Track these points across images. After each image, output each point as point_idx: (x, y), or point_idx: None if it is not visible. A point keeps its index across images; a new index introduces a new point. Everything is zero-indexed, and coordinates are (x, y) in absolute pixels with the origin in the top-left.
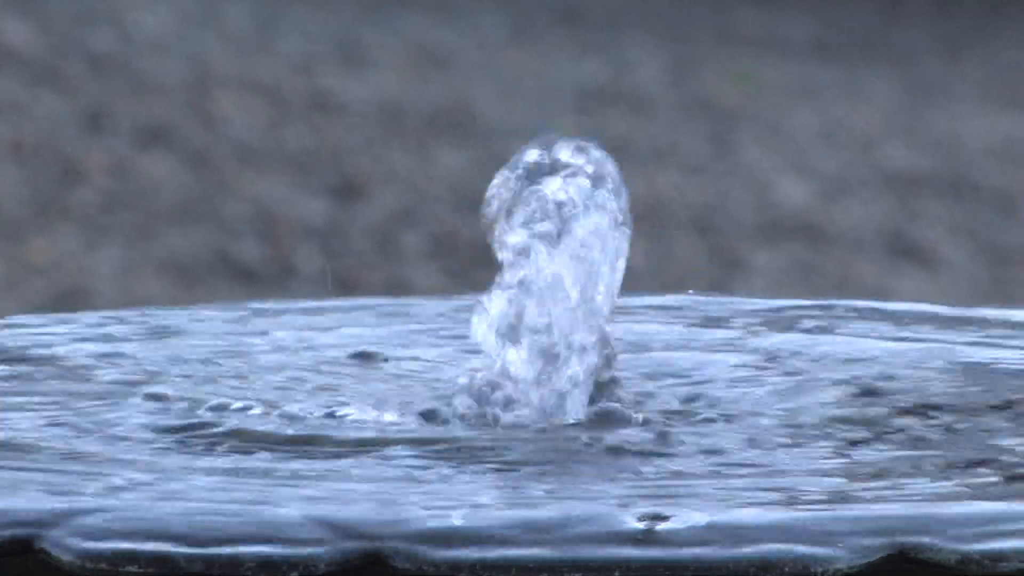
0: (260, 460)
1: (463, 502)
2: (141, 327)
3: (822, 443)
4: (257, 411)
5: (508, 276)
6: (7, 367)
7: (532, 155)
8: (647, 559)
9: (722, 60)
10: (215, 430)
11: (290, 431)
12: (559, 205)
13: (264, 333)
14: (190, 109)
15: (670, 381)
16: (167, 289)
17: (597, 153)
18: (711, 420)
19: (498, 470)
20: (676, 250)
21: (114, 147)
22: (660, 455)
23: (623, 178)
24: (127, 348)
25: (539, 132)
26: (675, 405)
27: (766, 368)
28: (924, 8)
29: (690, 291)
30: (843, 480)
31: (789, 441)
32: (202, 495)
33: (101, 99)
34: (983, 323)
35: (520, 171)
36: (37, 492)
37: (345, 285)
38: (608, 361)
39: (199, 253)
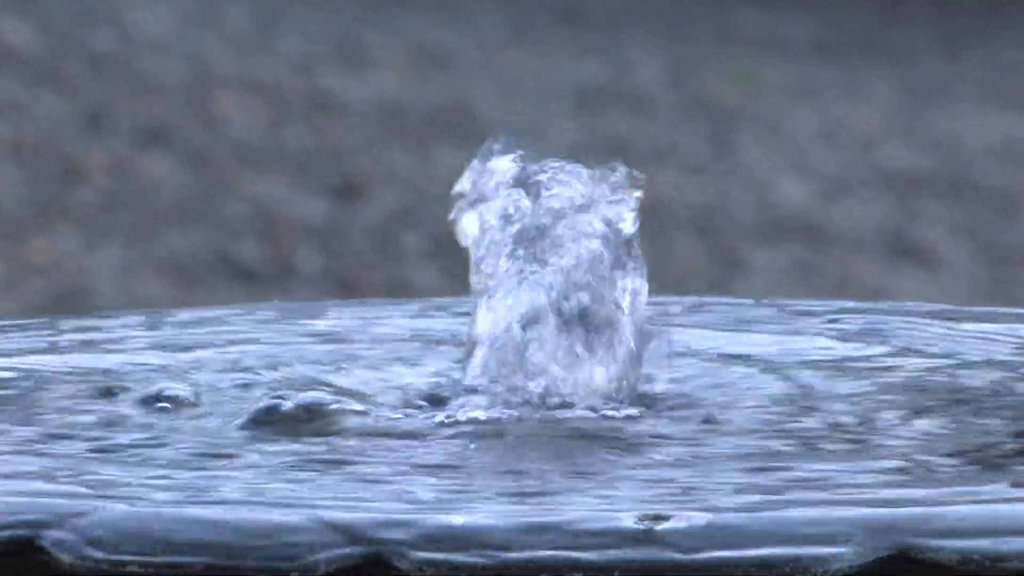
0: (260, 460)
1: (463, 502)
2: (141, 327)
3: (822, 443)
4: (257, 411)
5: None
6: (8, 369)
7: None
8: (647, 559)
9: (722, 60)
10: (216, 429)
11: (291, 429)
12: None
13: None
14: (190, 109)
15: (671, 379)
16: (167, 289)
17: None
18: (711, 420)
19: (498, 470)
20: (676, 250)
21: (114, 147)
22: (661, 455)
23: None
24: (124, 347)
25: (539, 132)
26: (676, 404)
27: (771, 371)
28: (924, 8)
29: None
30: (843, 480)
31: (790, 441)
32: (202, 495)
33: (101, 99)
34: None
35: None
36: (37, 492)
37: (345, 285)
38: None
39: (199, 253)
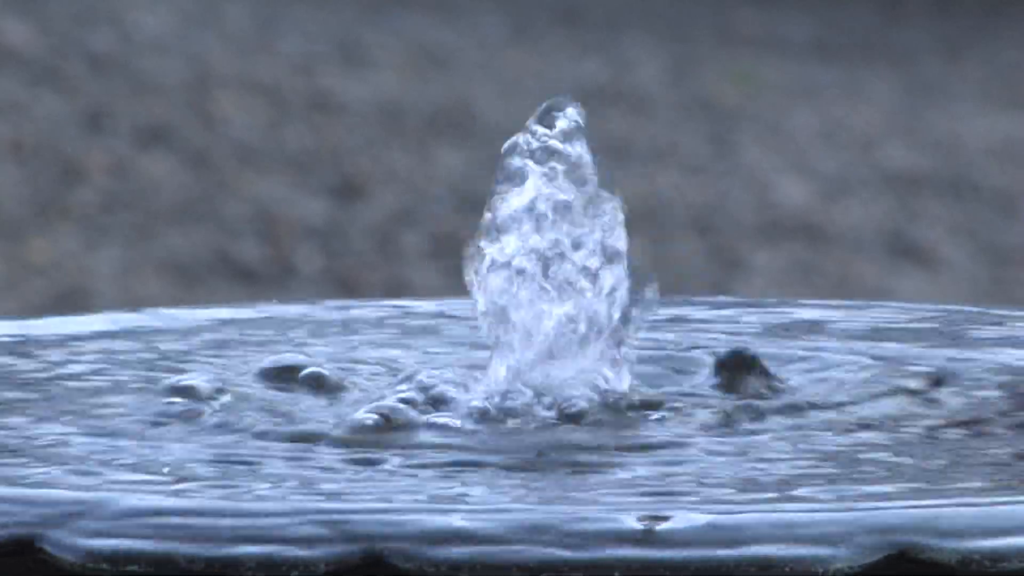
0: (260, 460)
1: (463, 502)
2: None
3: (823, 443)
4: (258, 410)
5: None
6: (9, 370)
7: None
8: (647, 559)
9: (722, 60)
10: (217, 429)
11: (290, 431)
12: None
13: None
14: (190, 109)
15: (671, 381)
16: (167, 289)
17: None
18: (711, 420)
19: (498, 470)
20: (676, 250)
21: (114, 147)
22: (661, 454)
23: (622, 178)
24: (124, 348)
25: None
26: (677, 404)
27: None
28: (924, 8)
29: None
30: (843, 480)
31: (790, 441)
32: (202, 495)
33: (101, 99)
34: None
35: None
36: (37, 492)
37: (345, 285)
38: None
39: (199, 253)
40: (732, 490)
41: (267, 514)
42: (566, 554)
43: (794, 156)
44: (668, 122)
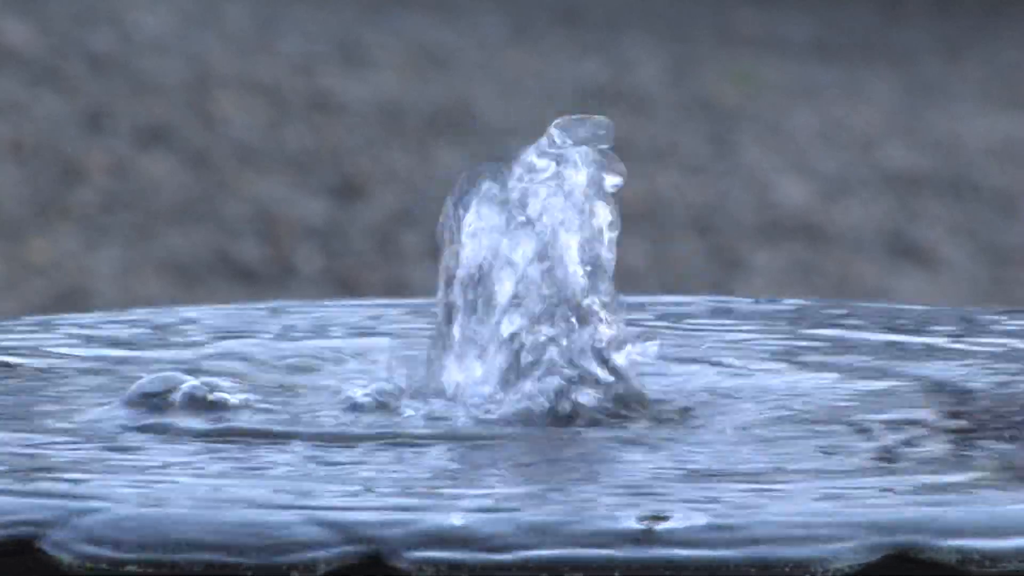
0: (260, 460)
1: (463, 502)
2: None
3: (824, 443)
4: (257, 409)
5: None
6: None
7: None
8: (647, 559)
9: (722, 60)
10: (216, 430)
11: (291, 430)
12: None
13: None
14: (190, 109)
15: (672, 379)
16: (167, 289)
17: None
18: (712, 420)
19: (498, 470)
20: (676, 250)
21: (114, 147)
22: (661, 454)
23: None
24: (121, 347)
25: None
26: (677, 403)
27: (775, 370)
28: (924, 8)
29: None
30: (844, 480)
31: (790, 441)
32: (202, 495)
33: (101, 99)
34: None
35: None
36: (37, 492)
37: (345, 285)
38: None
39: (199, 253)
40: (732, 490)
41: (267, 514)
42: (566, 554)
43: (794, 156)
44: (668, 122)
